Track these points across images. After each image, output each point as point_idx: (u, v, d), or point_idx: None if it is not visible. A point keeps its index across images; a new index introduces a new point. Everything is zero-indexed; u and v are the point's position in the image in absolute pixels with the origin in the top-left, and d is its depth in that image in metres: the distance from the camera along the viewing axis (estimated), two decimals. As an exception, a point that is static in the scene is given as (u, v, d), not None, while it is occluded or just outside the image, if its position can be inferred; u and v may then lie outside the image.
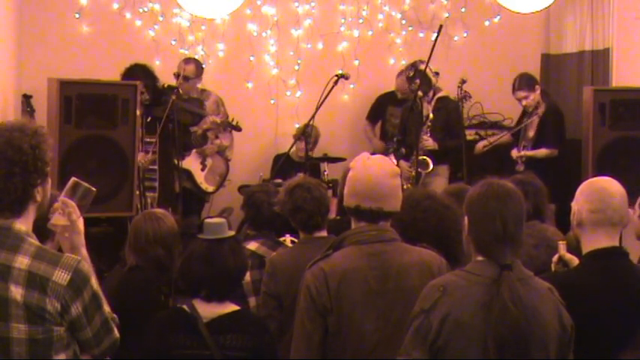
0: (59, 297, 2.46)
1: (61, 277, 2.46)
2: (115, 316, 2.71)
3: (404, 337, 2.79)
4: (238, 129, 7.12)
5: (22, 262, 2.46)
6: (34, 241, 2.53)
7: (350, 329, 3.02)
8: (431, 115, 6.77)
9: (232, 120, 7.10)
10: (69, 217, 2.67)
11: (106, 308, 2.62)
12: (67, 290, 2.46)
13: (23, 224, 2.52)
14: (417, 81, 6.65)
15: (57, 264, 2.48)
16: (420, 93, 6.69)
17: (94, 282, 2.54)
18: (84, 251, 2.70)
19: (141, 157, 6.30)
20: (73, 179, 2.74)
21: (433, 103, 6.96)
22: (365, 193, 3.09)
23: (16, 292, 2.44)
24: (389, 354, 2.95)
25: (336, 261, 3.06)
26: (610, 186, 3.24)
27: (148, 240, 3.95)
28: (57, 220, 2.68)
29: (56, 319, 2.47)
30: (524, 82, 6.97)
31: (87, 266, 2.54)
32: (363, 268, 3.03)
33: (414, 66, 6.86)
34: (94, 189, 2.74)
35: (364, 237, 3.08)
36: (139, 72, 6.53)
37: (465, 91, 6.94)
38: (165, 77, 6.78)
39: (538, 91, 6.97)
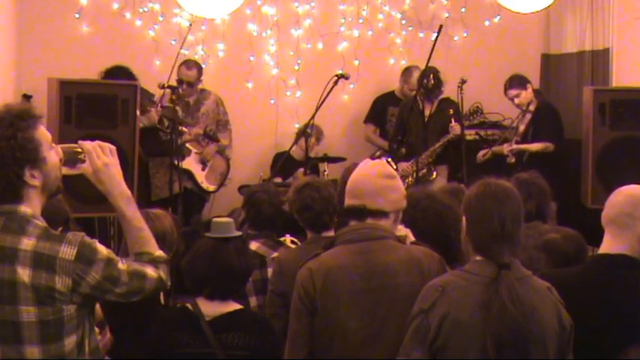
0: (69, 273, 2.45)
1: (67, 252, 2.46)
2: (159, 254, 2.67)
3: (390, 336, 2.85)
4: (215, 139, 7.10)
5: (27, 243, 2.46)
6: (40, 222, 2.53)
7: (335, 327, 3.04)
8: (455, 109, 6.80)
9: (210, 130, 7.07)
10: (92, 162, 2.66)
11: (128, 263, 2.57)
12: (77, 264, 2.46)
13: (28, 208, 2.52)
14: (443, 89, 6.92)
15: (62, 241, 2.48)
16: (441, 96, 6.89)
17: (103, 249, 2.53)
18: (119, 190, 2.65)
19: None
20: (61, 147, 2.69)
21: (435, 104, 6.99)
22: (352, 192, 3.17)
23: (24, 273, 2.44)
24: (374, 352, 2.99)
25: (323, 259, 3.11)
26: None
27: None
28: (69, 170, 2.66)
29: (67, 296, 2.46)
30: (515, 81, 7.00)
31: (90, 239, 2.52)
32: (348, 267, 3.06)
33: (433, 74, 6.86)
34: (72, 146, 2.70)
35: (353, 236, 3.12)
36: (120, 74, 6.53)
37: (478, 107, 6.99)
38: (165, 77, 6.76)
39: (530, 90, 6.98)
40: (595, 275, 3.15)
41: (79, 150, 2.67)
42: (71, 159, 2.66)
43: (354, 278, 3.04)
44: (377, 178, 3.15)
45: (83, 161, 2.66)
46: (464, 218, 2.86)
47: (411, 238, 3.32)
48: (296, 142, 6.79)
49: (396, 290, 2.99)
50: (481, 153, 7.08)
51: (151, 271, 2.62)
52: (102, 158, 2.66)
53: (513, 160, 6.82)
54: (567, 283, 3.02)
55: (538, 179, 4.51)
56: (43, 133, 2.55)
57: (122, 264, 2.56)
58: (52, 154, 2.57)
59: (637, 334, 3.03)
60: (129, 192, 2.69)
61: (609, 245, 3.16)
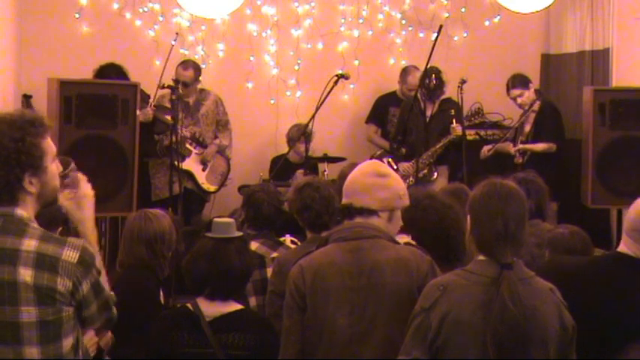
0: (71, 275, 2.48)
1: (70, 255, 2.49)
2: (112, 294, 2.73)
3: (378, 334, 2.90)
4: (203, 145, 7.11)
5: (29, 244, 2.48)
6: (37, 226, 2.55)
7: (323, 323, 3.06)
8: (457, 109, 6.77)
9: (199, 137, 7.07)
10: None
11: (107, 287, 2.65)
12: (78, 267, 2.49)
13: (24, 212, 2.54)
14: (445, 89, 6.89)
15: (64, 244, 2.51)
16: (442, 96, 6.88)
17: (98, 261, 2.59)
18: (91, 223, 2.76)
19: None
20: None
21: (437, 104, 6.99)
22: (344, 191, 3.22)
23: (26, 273, 2.46)
24: (363, 349, 3.01)
25: (314, 257, 3.14)
26: None
27: (133, 238, 3.92)
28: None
29: (66, 298, 2.49)
30: (517, 80, 7.00)
31: (91, 247, 2.58)
32: (338, 264, 3.08)
33: (435, 74, 6.86)
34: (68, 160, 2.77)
35: (345, 234, 3.14)
36: (112, 72, 6.52)
37: (479, 108, 7.00)
38: (165, 77, 6.76)
39: (532, 89, 7.00)
40: (602, 266, 3.21)
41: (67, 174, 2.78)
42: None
43: (343, 276, 3.06)
44: (365, 176, 3.18)
45: (65, 186, 2.74)
46: (468, 217, 2.86)
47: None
48: (292, 146, 6.80)
49: (384, 289, 3.02)
50: (486, 148, 7.07)
51: (114, 309, 2.69)
52: (89, 189, 2.79)
53: (521, 160, 6.81)
54: (573, 271, 3.05)
55: (535, 178, 4.53)
56: (49, 144, 2.59)
57: (106, 284, 2.62)
58: (54, 167, 2.61)
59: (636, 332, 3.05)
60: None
61: (622, 248, 3.20)
